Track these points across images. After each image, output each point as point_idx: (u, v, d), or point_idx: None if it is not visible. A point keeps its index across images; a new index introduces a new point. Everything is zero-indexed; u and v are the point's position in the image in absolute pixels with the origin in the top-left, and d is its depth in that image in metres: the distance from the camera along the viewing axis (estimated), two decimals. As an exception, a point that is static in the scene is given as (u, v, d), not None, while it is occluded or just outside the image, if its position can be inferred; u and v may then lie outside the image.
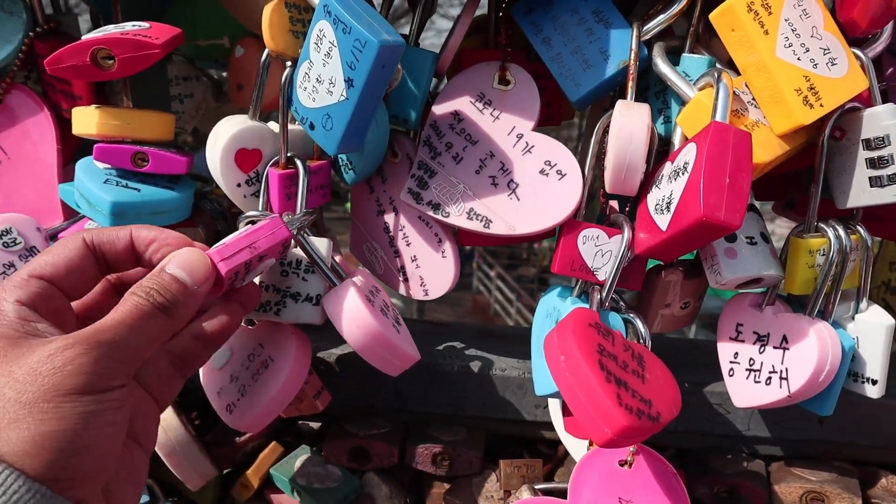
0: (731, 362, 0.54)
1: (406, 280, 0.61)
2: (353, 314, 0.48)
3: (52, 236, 0.60)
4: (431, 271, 0.58)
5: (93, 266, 0.41)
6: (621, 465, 0.50)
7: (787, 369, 0.50)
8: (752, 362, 0.53)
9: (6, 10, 0.60)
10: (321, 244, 0.51)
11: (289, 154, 0.54)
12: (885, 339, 0.51)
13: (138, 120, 0.57)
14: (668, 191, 0.47)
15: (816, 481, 0.57)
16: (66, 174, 0.66)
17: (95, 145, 0.56)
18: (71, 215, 0.64)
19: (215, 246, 0.43)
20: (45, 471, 0.31)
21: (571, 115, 0.65)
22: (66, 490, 0.32)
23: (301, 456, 0.61)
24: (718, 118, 0.45)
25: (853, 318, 0.53)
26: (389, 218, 0.60)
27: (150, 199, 0.56)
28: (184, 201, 0.58)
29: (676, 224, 0.44)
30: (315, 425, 0.66)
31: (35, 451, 0.31)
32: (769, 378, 0.51)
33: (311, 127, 0.49)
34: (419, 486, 0.62)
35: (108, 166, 0.58)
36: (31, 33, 0.61)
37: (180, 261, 0.41)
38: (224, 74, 0.76)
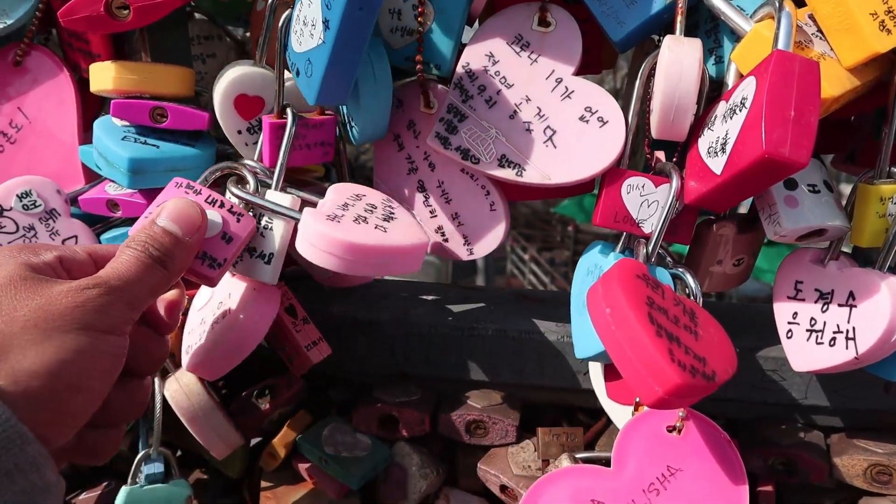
0: (789, 323, 0.50)
1: (446, 241, 0.57)
2: (308, 237, 0.45)
3: (73, 199, 0.58)
4: (477, 227, 0.55)
5: None
6: (669, 430, 0.47)
7: (854, 328, 0.46)
8: (813, 322, 0.48)
9: (22, -35, 0.58)
10: (282, 198, 0.49)
11: (285, 103, 0.51)
12: (965, 296, 0.46)
13: (156, 74, 0.55)
14: (722, 131, 0.43)
15: (884, 454, 0.52)
16: (88, 139, 0.64)
17: (113, 101, 0.54)
18: (92, 179, 0.63)
19: None
20: (29, 403, 0.30)
21: (612, 64, 0.60)
22: (41, 427, 0.30)
23: (330, 424, 0.59)
24: (781, 47, 0.41)
25: (928, 274, 0.48)
26: (425, 175, 0.57)
27: (168, 155, 0.54)
28: (204, 159, 0.56)
29: (733, 165, 0.40)
30: (346, 394, 0.63)
31: (30, 380, 0.31)
32: (833, 339, 0.47)
33: (297, 73, 0.47)
34: (452, 456, 0.60)
35: (127, 124, 0.56)
36: (47, -10, 0.59)
37: (171, 212, 0.41)
38: (248, 35, 0.74)
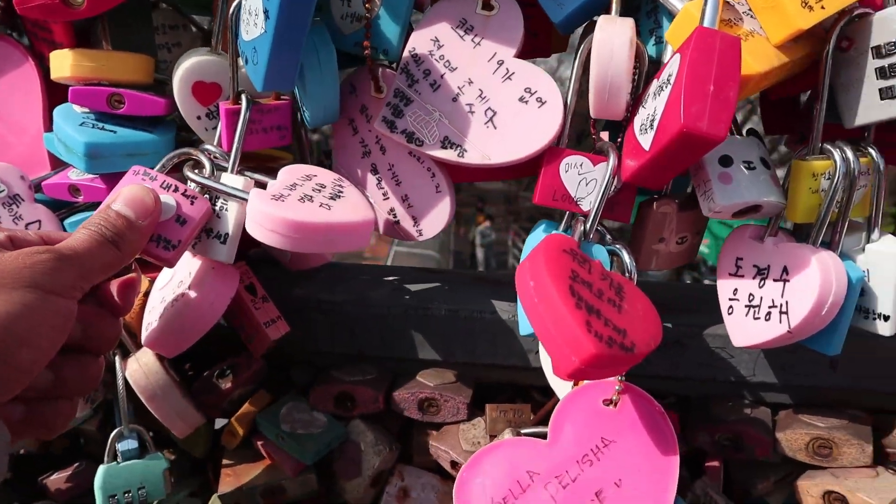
0: (730, 299, 0.51)
1: (397, 222, 0.58)
2: (253, 216, 0.47)
3: (37, 186, 0.60)
4: (425, 209, 0.56)
5: None
6: (606, 404, 0.47)
7: (787, 302, 0.46)
8: (751, 298, 0.49)
9: (-18, -46, 0.59)
10: (236, 180, 0.51)
11: (240, 90, 0.53)
12: (896, 270, 0.47)
13: (113, 61, 0.56)
14: (652, 108, 0.44)
15: (825, 427, 0.53)
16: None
17: (71, 88, 0.56)
18: (58, 165, 0.64)
19: None
20: None
21: (563, 48, 0.61)
22: None
23: (288, 403, 0.60)
24: (706, 24, 0.41)
25: (864, 250, 0.49)
26: (377, 158, 0.58)
27: (126, 140, 0.56)
28: (162, 144, 0.57)
29: (658, 141, 0.41)
30: (307, 374, 0.65)
31: None
32: (769, 313, 0.48)
33: (246, 61, 0.49)
34: (409, 434, 0.61)
35: (87, 110, 0.57)
36: (10, -20, 0.60)
37: (126, 197, 0.44)
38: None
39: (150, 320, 0.53)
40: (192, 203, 0.48)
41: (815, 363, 0.56)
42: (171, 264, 0.48)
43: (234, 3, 0.51)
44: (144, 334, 0.53)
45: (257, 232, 0.47)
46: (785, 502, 0.57)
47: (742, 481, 0.58)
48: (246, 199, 0.49)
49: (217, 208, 0.51)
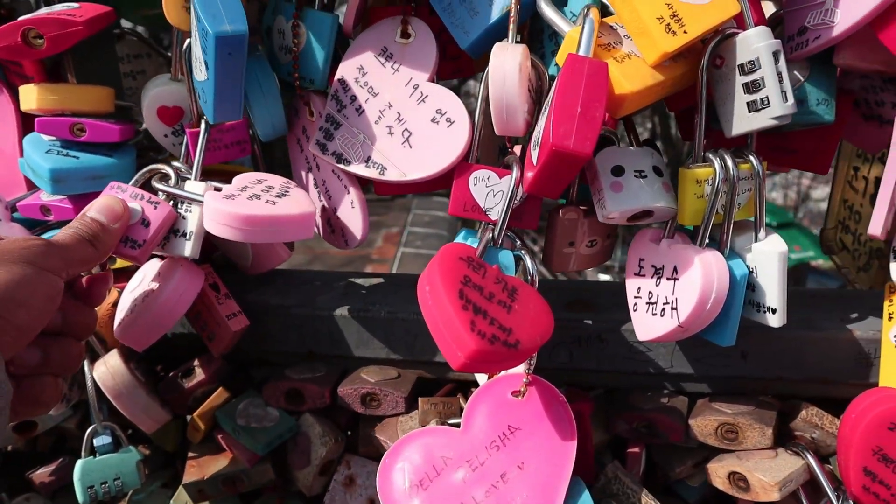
0: (634, 297, 0.55)
1: (332, 231, 0.64)
2: (208, 214, 0.53)
3: (12, 207, 0.66)
4: (346, 222, 0.61)
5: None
6: (514, 395, 0.52)
7: (676, 299, 0.51)
8: (650, 295, 0.54)
9: (-43, -1, 0.65)
10: (197, 186, 0.57)
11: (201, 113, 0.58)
12: (779, 267, 0.51)
13: (75, 93, 0.62)
14: (541, 126, 0.48)
15: (731, 413, 0.57)
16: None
17: (37, 118, 0.62)
18: (33, 187, 0.70)
19: None
20: None
21: (483, 67, 0.66)
22: None
23: (246, 399, 0.65)
24: (582, 51, 0.46)
25: (751, 249, 0.53)
26: (315, 173, 0.64)
27: (87, 165, 0.61)
28: (121, 167, 0.63)
29: (540, 157, 0.46)
30: (266, 373, 0.70)
31: None
32: (663, 309, 0.52)
33: (199, 97, 0.55)
34: (357, 427, 0.66)
35: (53, 138, 0.63)
36: (-16, 20, 0.66)
37: (98, 206, 0.53)
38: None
39: (122, 316, 0.59)
40: (155, 208, 0.55)
41: (726, 355, 0.60)
42: (139, 261, 0.55)
43: (186, 43, 0.56)
44: (116, 329, 0.59)
45: (212, 227, 0.53)
46: (702, 484, 0.61)
47: (663, 465, 0.62)
48: (202, 201, 0.55)
49: (182, 211, 0.57)
